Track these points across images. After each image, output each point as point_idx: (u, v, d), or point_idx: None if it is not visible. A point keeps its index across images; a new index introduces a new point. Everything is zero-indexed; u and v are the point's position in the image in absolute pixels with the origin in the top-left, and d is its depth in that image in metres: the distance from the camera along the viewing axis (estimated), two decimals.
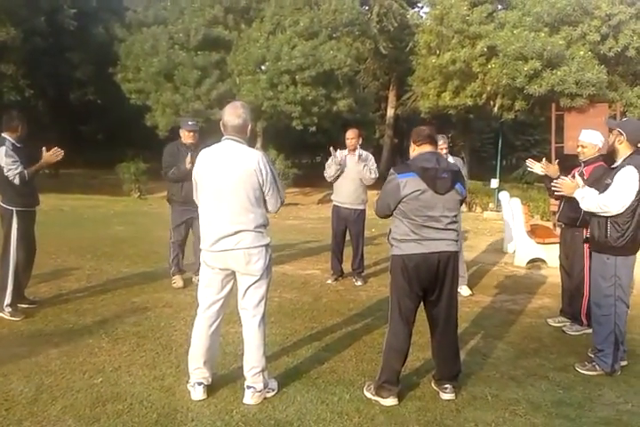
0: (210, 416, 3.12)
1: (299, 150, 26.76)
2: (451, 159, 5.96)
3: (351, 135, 6.32)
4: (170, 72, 15.65)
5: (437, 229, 3.24)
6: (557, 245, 7.76)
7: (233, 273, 3.29)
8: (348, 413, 3.20)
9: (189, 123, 5.93)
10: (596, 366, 3.89)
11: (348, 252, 6.64)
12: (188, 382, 3.41)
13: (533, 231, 8.26)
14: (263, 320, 3.33)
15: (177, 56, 15.49)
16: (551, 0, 11.49)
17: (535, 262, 7.91)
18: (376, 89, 27.91)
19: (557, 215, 5.06)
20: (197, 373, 3.32)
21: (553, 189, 4.13)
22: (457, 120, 19.16)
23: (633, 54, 11.70)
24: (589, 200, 3.85)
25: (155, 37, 15.95)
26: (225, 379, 3.57)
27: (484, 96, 13.08)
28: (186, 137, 5.84)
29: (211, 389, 3.38)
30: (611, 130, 3.96)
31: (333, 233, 6.57)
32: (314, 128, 15.78)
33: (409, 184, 3.19)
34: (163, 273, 6.49)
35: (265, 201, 3.25)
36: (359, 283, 6.42)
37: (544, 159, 5.04)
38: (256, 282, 3.25)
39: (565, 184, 4.01)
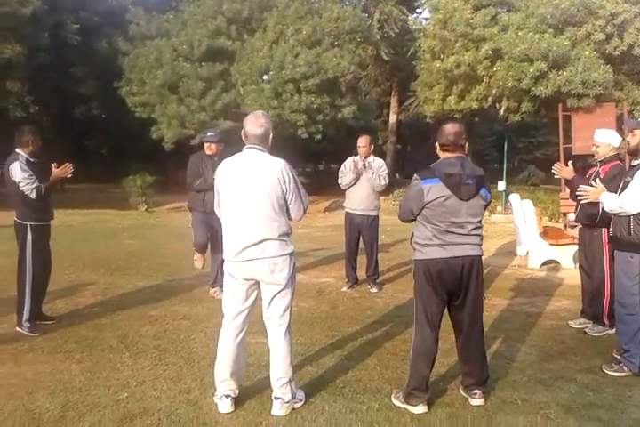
0: None
1: (304, 158, 26.83)
2: None
3: (363, 143, 6.31)
4: (174, 84, 15.72)
5: (461, 234, 3.21)
6: (571, 247, 7.87)
7: (257, 283, 3.28)
8: (379, 422, 3.16)
9: (209, 134, 6.06)
10: (624, 367, 3.85)
11: (360, 259, 6.61)
12: (214, 394, 3.38)
13: (546, 233, 8.22)
14: (289, 330, 3.31)
15: (181, 68, 15.56)
16: (555, 1, 11.47)
17: (549, 264, 7.87)
18: (377, 95, 27.99)
19: (575, 215, 5.03)
20: (224, 385, 3.30)
21: (579, 197, 4.09)
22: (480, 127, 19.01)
23: (638, 53, 11.66)
24: (611, 202, 3.82)
25: (158, 50, 16.05)
26: (251, 390, 3.54)
27: (490, 99, 13.06)
28: (206, 148, 5.97)
29: (237, 401, 3.34)
30: (632, 129, 3.92)
31: (347, 240, 6.54)
32: (319, 136, 15.79)
33: (433, 190, 3.16)
34: (177, 286, 6.50)
35: (288, 209, 3.24)
36: (374, 290, 6.39)
37: (558, 162, 5.01)
38: (281, 291, 3.24)
39: (590, 190, 3.98)
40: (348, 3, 21.95)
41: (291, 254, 3.25)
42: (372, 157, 6.36)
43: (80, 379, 3.78)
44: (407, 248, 9.35)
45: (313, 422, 3.16)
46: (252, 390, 3.54)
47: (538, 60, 11.36)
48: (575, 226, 10.39)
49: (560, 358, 4.19)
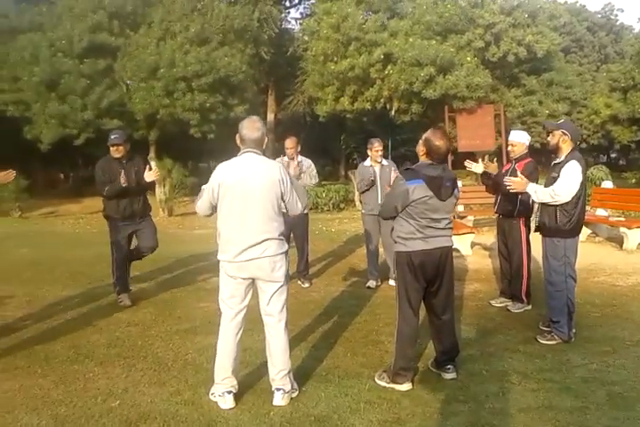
0: (250, 422, 3.23)
1: (194, 157, 26.31)
2: (385, 162, 6.46)
3: (291, 144, 6.53)
4: (55, 81, 14.68)
5: (438, 228, 3.61)
6: (468, 235, 8.71)
7: (253, 282, 3.43)
8: (374, 401, 3.46)
9: (112, 137, 5.76)
10: (555, 336, 4.48)
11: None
12: (211, 393, 3.49)
13: None
14: (287, 324, 3.51)
15: (61, 64, 14.57)
16: (439, 10, 12.49)
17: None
18: (255, 94, 28.09)
19: (495, 207, 5.65)
20: (227, 382, 3.42)
21: (507, 187, 4.62)
22: (352, 124, 19.76)
23: (512, 59, 13.04)
24: (542, 193, 4.41)
25: (34, 45, 14.89)
26: (241, 386, 3.65)
27: (382, 100, 13.83)
28: (113, 151, 5.75)
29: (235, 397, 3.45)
30: (551, 130, 4.57)
31: None
32: (212, 135, 15.63)
33: (417, 190, 3.52)
34: (104, 293, 6.24)
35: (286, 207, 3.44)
36: (306, 285, 6.64)
37: (483, 159, 5.62)
38: (280, 288, 3.43)
39: (517, 182, 4.54)
40: (234, 1, 21.84)
41: (286, 253, 3.45)
42: (299, 158, 6.61)
43: (57, 392, 3.68)
44: (316, 243, 9.71)
45: (316, 407, 3.38)
46: (243, 385, 3.66)
47: (427, 64, 12.27)
48: (464, 216, 11.49)
49: (497, 333, 4.76)
